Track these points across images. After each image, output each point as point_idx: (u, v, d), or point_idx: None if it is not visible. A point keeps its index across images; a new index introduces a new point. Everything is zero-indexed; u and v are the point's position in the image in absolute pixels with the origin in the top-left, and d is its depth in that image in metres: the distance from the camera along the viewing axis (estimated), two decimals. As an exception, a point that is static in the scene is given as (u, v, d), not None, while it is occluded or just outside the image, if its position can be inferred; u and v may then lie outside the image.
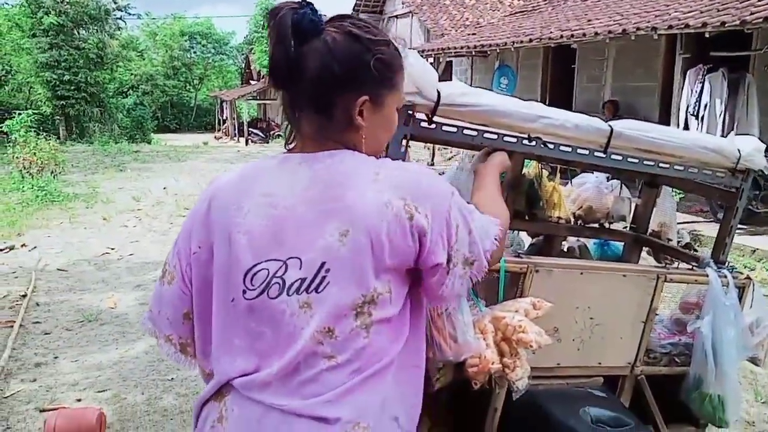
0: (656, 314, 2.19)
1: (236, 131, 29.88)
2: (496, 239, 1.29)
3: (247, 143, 27.14)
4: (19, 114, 12.32)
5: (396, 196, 1.16)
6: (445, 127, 1.76)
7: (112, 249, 7.59)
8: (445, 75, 15.73)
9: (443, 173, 2.27)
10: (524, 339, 1.60)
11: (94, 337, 4.87)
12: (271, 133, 28.64)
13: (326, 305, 1.14)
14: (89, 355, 4.55)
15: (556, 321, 1.93)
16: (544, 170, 2.50)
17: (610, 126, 1.96)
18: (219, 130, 33.66)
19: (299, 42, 1.17)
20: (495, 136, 1.82)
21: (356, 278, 1.14)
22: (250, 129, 28.49)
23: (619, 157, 2.01)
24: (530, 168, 2.48)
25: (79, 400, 3.88)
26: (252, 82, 33.69)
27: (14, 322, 5.14)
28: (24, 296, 5.79)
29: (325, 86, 1.19)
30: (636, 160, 2.04)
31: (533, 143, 1.86)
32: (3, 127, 12.81)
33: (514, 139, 1.84)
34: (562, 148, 1.91)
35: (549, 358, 1.98)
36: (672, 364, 2.26)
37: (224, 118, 33.41)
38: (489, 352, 1.62)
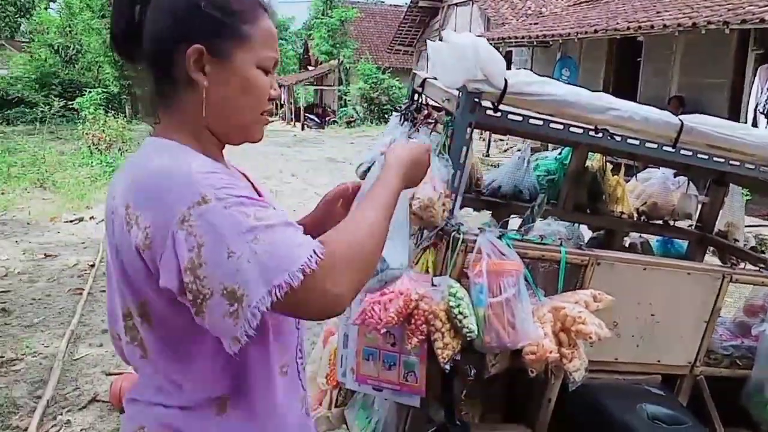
0: (719, 315, 2.15)
1: (292, 116, 30.25)
2: (302, 271, 0.95)
3: (303, 128, 27.44)
4: (89, 92, 12.82)
5: (122, 201, 1.02)
6: (510, 116, 1.77)
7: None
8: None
9: (498, 165, 2.26)
10: (584, 330, 1.61)
11: (157, 306, 5.07)
12: (327, 119, 28.89)
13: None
14: (151, 324, 4.75)
15: (616, 315, 1.92)
16: (608, 164, 2.47)
17: (680, 120, 1.93)
18: (276, 115, 34.16)
19: (139, 3, 1.10)
20: (561, 127, 1.82)
21: (118, 290, 1.09)
22: (306, 114, 28.79)
23: (689, 153, 1.98)
24: (594, 161, 2.45)
25: (141, 367, 4.06)
26: (310, 68, 33.97)
27: (83, 289, 5.41)
28: (92, 266, 6.07)
29: (159, 42, 1.08)
30: (706, 157, 2.00)
31: (600, 135, 1.84)
32: (74, 104, 13.36)
33: (580, 130, 1.83)
34: (629, 140, 1.89)
35: (607, 353, 1.97)
36: (733, 367, 2.21)
37: (281, 102, 33.86)
38: (547, 341, 1.63)
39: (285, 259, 0.95)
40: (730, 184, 2.59)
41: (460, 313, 1.60)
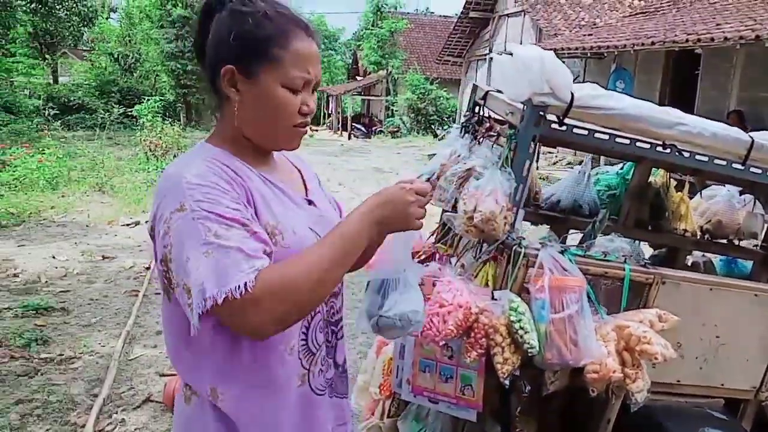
0: (789, 339, 2.07)
1: (339, 125, 30.55)
2: (226, 294, 1.08)
3: (349, 137, 27.69)
4: (148, 99, 13.24)
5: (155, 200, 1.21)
6: (575, 130, 1.75)
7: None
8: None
9: (548, 177, 2.22)
10: (649, 350, 1.57)
11: (208, 312, 5.18)
12: (374, 128, 29.07)
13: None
14: (203, 328, 4.85)
15: (680, 336, 1.87)
16: (671, 180, 2.41)
17: (750, 137, 1.87)
18: (323, 124, 34.56)
19: (205, 19, 1.28)
20: (627, 141, 1.79)
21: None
22: (353, 124, 29.05)
23: (759, 171, 1.92)
24: (657, 177, 2.40)
25: (193, 369, 4.15)
26: (358, 78, 34.29)
27: (139, 291, 5.58)
28: (148, 269, 6.25)
29: (209, 62, 1.27)
30: (777, 175, 1.94)
31: (668, 150, 1.80)
32: (133, 111, 13.81)
33: (647, 145, 1.80)
34: (698, 157, 1.84)
35: (669, 374, 1.92)
36: (802, 394, 2.12)
37: (329, 111, 34.23)
38: (611, 360, 1.59)
39: (221, 278, 1.09)
40: (800, 203, 2.50)
41: (521, 328, 1.59)
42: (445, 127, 25.69)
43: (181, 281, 1.12)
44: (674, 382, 1.96)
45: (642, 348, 1.59)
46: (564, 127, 1.72)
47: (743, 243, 2.56)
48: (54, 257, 6.64)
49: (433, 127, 26.57)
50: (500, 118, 1.95)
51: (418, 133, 26.08)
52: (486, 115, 2.04)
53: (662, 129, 1.76)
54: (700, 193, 2.50)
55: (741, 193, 2.50)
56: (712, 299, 1.91)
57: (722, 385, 2.02)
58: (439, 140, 22.82)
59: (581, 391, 1.82)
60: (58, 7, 21.44)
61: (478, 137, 1.93)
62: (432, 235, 2.24)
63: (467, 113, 2.13)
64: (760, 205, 2.51)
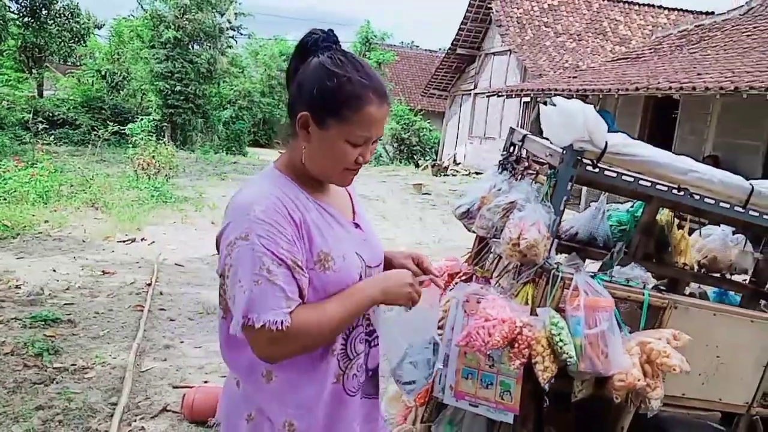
0: (777, 361, 2.36)
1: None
2: (262, 323, 1.34)
3: (334, 164, 27.88)
4: (141, 119, 13.40)
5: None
6: (606, 172, 2.04)
7: (220, 252, 8.16)
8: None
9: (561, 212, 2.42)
10: (668, 363, 1.84)
11: (214, 328, 5.33)
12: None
13: None
14: (211, 343, 5.00)
15: (687, 354, 2.14)
16: (675, 219, 2.71)
17: (751, 185, 2.18)
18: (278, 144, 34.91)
19: (299, 58, 1.49)
20: (649, 184, 2.08)
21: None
22: (337, 150, 29.31)
23: (756, 213, 2.23)
24: (662, 215, 2.70)
25: (206, 382, 4.30)
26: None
27: (143, 306, 5.71)
28: (149, 285, 6.38)
29: (291, 101, 1.49)
30: (771, 218, 2.25)
31: (682, 193, 2.10)
32: (125, 130, 13.95)
33: (665, 188, 2.09)
34: (706, 200, 2.14)
35: (676, 388, 2.19)
36: (788, 411, 2.41)
37: (293, 136, 34.55)
38: (635, 370, 1.86)
39: (260, 307, 1.35)
40: (786, 244, 2.82)
41: (561, 340, 1.85)
42: (427, 158, 26.18)
43: (232, 295, 1.39)
44: (680, 395, 2.22)
45: (662, 361, 1.86)
46: (597, 170, 2.01)
47: (735, 277, 2.87)
48: (54, 270, 6.73)
49: (415, 157, 27.03)
50: (539, 159, 2.24)
51: (400, 162, 26.49)
52: (523, 155, 2.33)
53: (678, 174, 2.06)
54: (700, 232, 2.81)
55: (734, 232, 2.81)
56: (715, 323, 2.19)
57: (720, 399, 2.29)
58: (421, 170, 23.24)
59: (598, 401, 2.09)
60: (50, 22, 21.52)
61: (518, 174, 2.21)
62: (467, 258, 2.51)
63: (504, 153, 2.42)
64: (750, 244, 2.82)
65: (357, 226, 1.60)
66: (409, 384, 1.60)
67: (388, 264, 1.65)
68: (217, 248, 1.46)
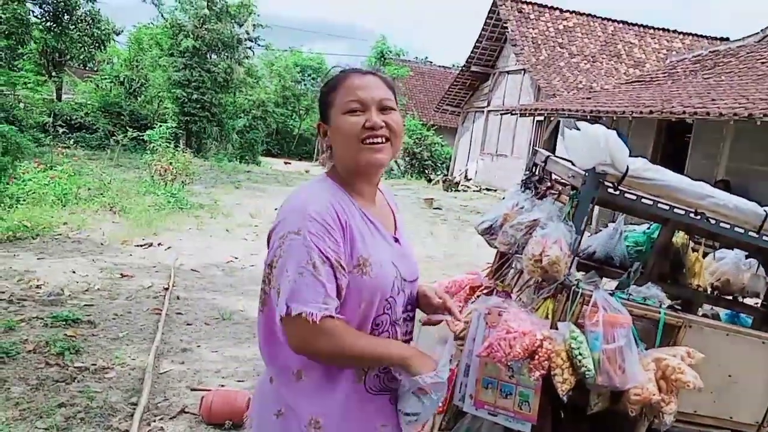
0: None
1: (334, 162, 31.01)
2: (299, 312, 1.44)
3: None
4: (159, 125, 13.61)
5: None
6: (626, 195, 2.14)
7: (236, 258, 8.30)
8: (554, 135, 16.00)
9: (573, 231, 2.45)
10: (683, 379, 1.92)
11: (230, 334, 5.45)
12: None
13: None
14: (227, 348, 5.11)
15: (700, 373, 2.22)
16: (690, 241, 2.80)
17: (765, 211, 2.27)
18: (316, 160, 35.11)
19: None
20: (667, 208, 2.18)
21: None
22: (350, 163, 29.49)
23: (770, 239, 2.31)
24: (678, 238, 2.79)
25: (222, 386, 4.40)
26: (355, 118, 35.03)
27: (161, 310, 5.83)
28: (166, 289, 6.50)
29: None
30: (784, 244, 2.33)
31: (698, 217, 2.20)
32: (144, 136, 14.16)
33: (682, 212, 2.19)
34: (722, 224, 2.23)
35: (688, 405, 2.26)
36: (796, 432, 2.48)
37: (324, 148, 34.79)
38: (651, 385, 1.94)
39: (300, 298, 1.45)
40: (797, 269, 2.90)
41: (580, 354, 1.94)
42: (438, 173, 26.32)
43: (277, 285, 1.50)
44: (692, 411, 2.30)
45: (677, 377, 1.94)
46: (617, 192, 2.11)
47: (747, 300, 2.95)
48: (74, 272, 6.86)
49: (426, 171, 27.17)
50: (561, 179, 2.34)
51: (411, 176, 26.64)
52: (546, 175, 2.43)
53: (696, 199, 2.15)
54: (714, 255, 2.89)
55: (747, 257, 2.89)
56: (728, 343, 2.27)
57: (731, 418, 2.37)
58: (432, 185, 23.36)
59: (612, 415, 2.17)
60: (71, 27, 21.90)
61: (540, 193, 2.32)
62: (488, 272, 2.61)
63: (527, 173, 2.52)
64: (762, 268, 2.90)
65: (396, 240, 1.70)
66: (411, 416, 1.62)
67: (420, 296, 1.75)
68: (268, 243, 1.58)
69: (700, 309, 2.96)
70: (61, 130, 18.13)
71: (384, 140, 1.58)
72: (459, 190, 21.85)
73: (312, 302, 1.45)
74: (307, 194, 1.58)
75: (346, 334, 1.50)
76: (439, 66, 39.12)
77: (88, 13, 22.95)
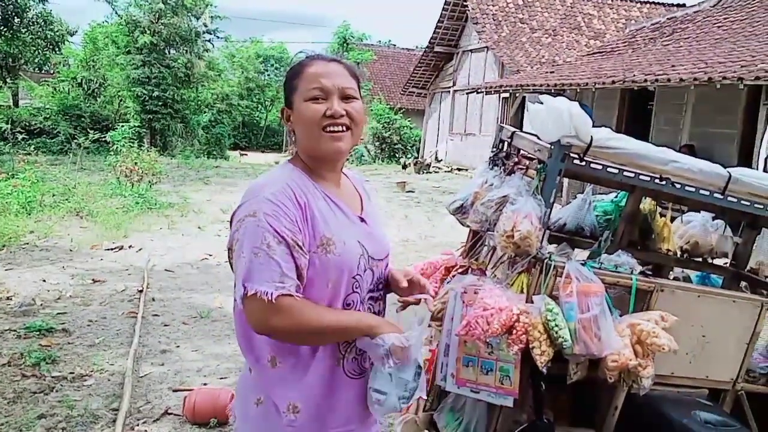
0: (758, 339, 2.49)
1: (304, 152, 30.81)
2: (255, 291, 1.46)
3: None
4: (122, 126, 13.34)
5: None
6: (592, 165, 2.16)
7: (210, 255, 8.20)
8: (520, 110, 16.08)
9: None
10: (658, 343, 1.96)
11: (209, 332, 5.40)
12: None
13: None
14: (207, 346, 5.07)
15: (674, 335, 2.26)
16: (657, 207, 2.84)
17: (728, 172, 2.31)
18: (286, 151, 34.89)
19: None
20: (632, 175, 2.20)
21: None
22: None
23: (734, 200, 2.36)
24: (645, 204, 2.82)
25: (205, 384, 4.36)
26: (322, 106, 34.78)
27: (137, 312, 5.75)
28: (141, 291, 6.41)
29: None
30: (748, 203, 2.38)
31: (664, 183, 2.22)
32: (106, 137, 13.87)
33: (648, 178, 2.21)
34: (687, 188, 2.27)
35: (665, 367, 2.31)
36: (769, 385, 2.55)
37: (293, 139, 34.52)
38: (627, 351, 1.97)
39: (255, 277, 1.47)
40: (762, 228, 2.96)
41: (557, 325, 1.96)
42: (409, 156, 26.32)
43: (236, 267, 1.52)
44: (669, 374, 2.35)
45: (652, 341, 1.98)
46: (583, 163, 2.12)
47: (716, 261, 3.00)
48: (44, 281, 6.72)
49: (397, 155, 27.15)
50: (528, 154, 2.35)
51: (382, 161, 26.59)
52: (513, 151, 2.43)
53: (660, 165, 2.18)
54: (681, 219, 2.94)
55: (714, 218, 2.95)
56: (700, 304, 2.32)
57: (707, 377, 2.42)
58: (403, 168, 23.38)
59: (591, 383, 2.21)
60: (23, 30, 21.24)
61: (508, 169, 2.32)
62: (462, 251, 2.61)
63: (494, 149, 2.53)
64: (729, 229, 2.96)
65: (362, 220, 1.71)
66: (379, 393, 1.57)
67: (391, 280, 1.76)
68: (231, 227, 1.60)
69: (671, 273, 3.01)
70: (20, 137, 17.65)
71: (344, 129, 1.61)
72: (430, 172, 21.89)
73: (267, 281, 1.46)
74: (266, 179, 1.61)
75: (304, 311, 1.50)
76: (403, 48, 38.99)
77: (39, 15, 22.22)
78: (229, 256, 1.58)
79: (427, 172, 21.75)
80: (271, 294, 1.45)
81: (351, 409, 1.66)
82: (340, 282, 1.58)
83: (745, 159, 9.85)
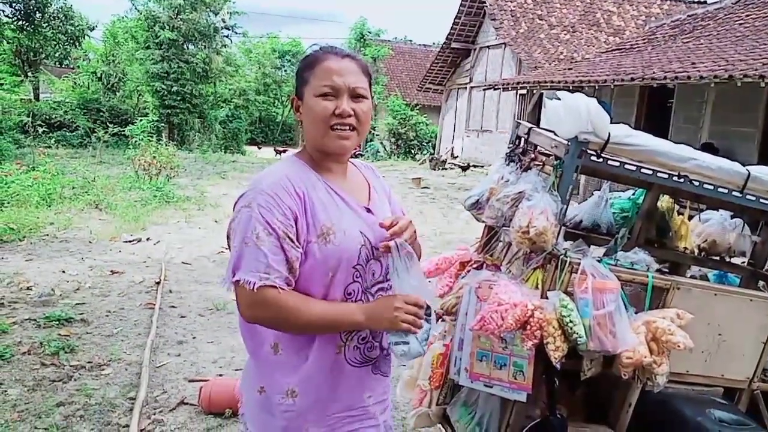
0: (775, 338, 2.47)
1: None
2: (238, 280, 1.50)
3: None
4: (140, 120, 13.46)
5: None
6: (609, 162, 2.15)
7: (226, 248, 8.21)
8: (537, 107, 15.99)
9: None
10: (673, 340, 1.95)
11: (225, 324, 5.45)
12: (354, 152, 29.49)
13: None
14: (223, 338, 5.12)
15: (690, 333, 2.25)
16: (675, 205, 2.82)
17: (747, 170, 2.29)
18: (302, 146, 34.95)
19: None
20: (650, 172, 2.19)
21: None
22: (334, 147, 29.36)
23: (753, 198, 2.34)
24: (663, 202, 2.81)
25: (220, 375, 4.41)
26: (338, 102, 34.85)
27: (154, 304, 5.82)
28: (158, 283, 6.48)
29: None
30: (767, 201, 2.36)
31: (682, 180, 2.21)
32: (125, 131, 14.02)
33: (666, 175, 2.20)
34: (705, 186, 2.25)
35: (680, 365, 2.30)
36: (786, 385, 2.53)
37: (297, 121, 34.70)
38: (642, 347, 1.97)
39: (242, 266, 1.51)
40: (781, 227, 2.93)
41: (571, 321, 1.96)
42: (424, 152, 26.28)
43: (230, 255, 1.57)
44: (684, 372, 2.34)
45: (667, 338, 1.97)
46: (601, 160, 2.12)
47: (733, 260, 2.98)
48: (64, 272, 6.82)
49: (412, 151, 27.12)
50: (544, 150, 2.35)
51: (398, 157, 26.58)
52: (529, 147, 2.43)
53: (678, 162, 2.16)
54: (699, 217, 2.92)
55: (732, 217, 2.92)
56: (716, 303, 2.31)
57: (722, 375, 2.41)
58: (419, 164, 23.34)
59: (606, 379, 2.21)
60: (44, 25, 21.51)
61: (525, 165, 2.32)
62: (477, 247, 2.62)
63: (510, 145, 2.53)
64: (748, 227, 2.93)
65: (369, 210, 1.72)
66: (402, 344, 1.58)
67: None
68: None
69: (688, 271, 2.99)
70: (41, 130, 17.88)
71: (351, 128, 1.63)
72: (446, 169, 21.85)
73: (252, 271, 1.49)
74: (268, 171, 1.64)
75: (287, 304, 1.51)
76: (420, 44, 38.86)
77: (60, 9, 22.54)
78: (228, 245, 1.63)
79: (442, 169, 21.71)
80: (254, 284, 1.48)
81: (353, 396, 1.69)
82: (340, 271, 1.59)
83: (766, 158, 9.72)
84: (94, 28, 27.02)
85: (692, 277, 3.00)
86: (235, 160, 21.74)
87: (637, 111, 13.68)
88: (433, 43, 37.37)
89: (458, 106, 24.23)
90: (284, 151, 28.93)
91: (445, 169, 21.83)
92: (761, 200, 2.34)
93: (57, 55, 25.00)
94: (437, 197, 14.54)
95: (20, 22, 21.86)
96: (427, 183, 16.54)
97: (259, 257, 1.49)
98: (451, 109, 25.05)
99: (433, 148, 26.42)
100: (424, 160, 23.67)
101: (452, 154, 23.76)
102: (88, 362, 4.55)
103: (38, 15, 21.92)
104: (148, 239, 8.59)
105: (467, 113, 23.14)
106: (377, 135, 28.97)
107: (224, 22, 25.12)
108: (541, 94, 15.93)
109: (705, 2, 19.59)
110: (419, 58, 34.93)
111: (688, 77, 9.61)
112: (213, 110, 27.48)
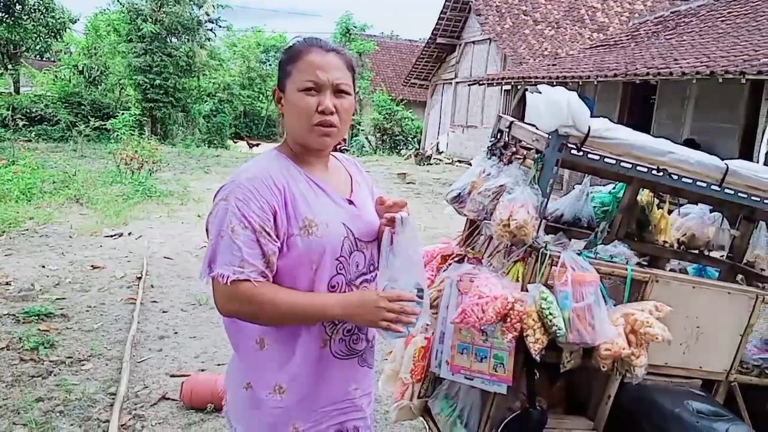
0: (752, 330, 2.50)
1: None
2: (213, 274, 1.50)
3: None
4: (122, 113, 13.32)
5: None
6: (589, 155, 2.16)
7: (208, 243, 8.20)
8: (522, 103, 16.04)
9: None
10: (651, 332, 1.97)
11: (207, 319, 5.41)
12: (339, 147, 29.41)
13: None
14: (205, 333, 5.09)
15: (669, 325, 2.27)
16: (655, 199, 2.84)
17: (726, 164, 2.31)
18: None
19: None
20: (630, 166, 2.20)
21: None
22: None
23: (731, 192, 2.36)
24: (642, 196, 2.83)
25: (202, 370, 4.39)
26: (324, 96, 34.71)
27: (135, 299, 5.77)
28: (139, 278, 6.43)
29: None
30: (745, 195, 2.38)
31: (661, 174, 2.22)
32: (107, 125, 13.86)
33: (645, 169, 2.22)
34: (684, 179, 2.27)
35: (659, 357, 2.32)
36: (762, 376, 2.56)
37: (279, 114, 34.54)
38: (621, 339, 1.98)
39: (216, 260, 1.50)
40: (759, 221, 2.96)
41: (551, 313, 1.97)
42: (410, 148, 26.28)
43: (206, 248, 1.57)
44: (663, 364, 2.36)
45: (645, 330, 1.99)
46: (581, 153, 2.12)
47: (712, 253, 3.01)
48: (44, 266, 6.74)
49: (398, 147, 27.11)
50: (526, 144, 2.35)
51: (383, 152, 26.56)
52: (511, 140, 2.44)
53: (657, 156, 2.18)
54: (678, 211, 2.94)
55: (711, 211, 2.95)
56: (695, 295, 2.33)
57: (700, 367, 2.43)
58: (405, 159, 23.35)
59: (585, 371, 2.22)
60: (25, 17, 21.16)
61: (506, 158, 2.32)
62: (458, 240, 2.62)
63: (492, 139, 2.53)
64: (727, 221, 2.96)
65: (351, 202, 1.71)
66: (392, 334, 1.56)
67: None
68: None
69: (667, 264, 3.02)
70: (21, 124, 17.64)
71: (332, 125, 1.62)
72: (431, 164, 21.87)
73: (227, 265, 1.48)
74: (248, 164, 1.62)
75: (262, 297, 1.50)
76: (406, 39, 38.81)
77: (41, 2, 22.18)
78: (207, 237, 1.61)
79: (428, 164, 21.73)
80: (227, 278, 1.47)
81: (340, 389, 1.69)
82: (323, 264, 1.58)
83: (747, 154, 9.84)
84: (76, 21, 26.67)
85: (671, 270, 3.02)
86: (219, 154, 21.59)
87: (621, 107, 13.78)
88: (419, 39, 37.34)
89: (443, 101, 24.26)
90: (257, 145, 28.88)
91: (431, 164, 21.86)
92: (739, 194, 2.36)
93: (38, 48, 24.68)
94: (422, 192, 14.55)
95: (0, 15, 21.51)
96: (412, 178, 16.54)
97: (233, 251, 1.48)
98: (436, 105, 25.07)
99: (419, 144, 26.42)
100: (410, 155, 23.67)
101: (437, 150, 23.79)
102: (68, 357, 4.50)
103: (18, 7, 21.56)
104: (129, 234, 8.51)
105: (452, 108, 23.18)
106: (362, 130, 28.93)
107: (208, 15, 24.89)
108: (525, 90, 15.97)
109: (688, -1, 19.74)
110: (405, 53, 34.91)
111: (671, 73, 9.70)
112: (197, 104, 27.25)
